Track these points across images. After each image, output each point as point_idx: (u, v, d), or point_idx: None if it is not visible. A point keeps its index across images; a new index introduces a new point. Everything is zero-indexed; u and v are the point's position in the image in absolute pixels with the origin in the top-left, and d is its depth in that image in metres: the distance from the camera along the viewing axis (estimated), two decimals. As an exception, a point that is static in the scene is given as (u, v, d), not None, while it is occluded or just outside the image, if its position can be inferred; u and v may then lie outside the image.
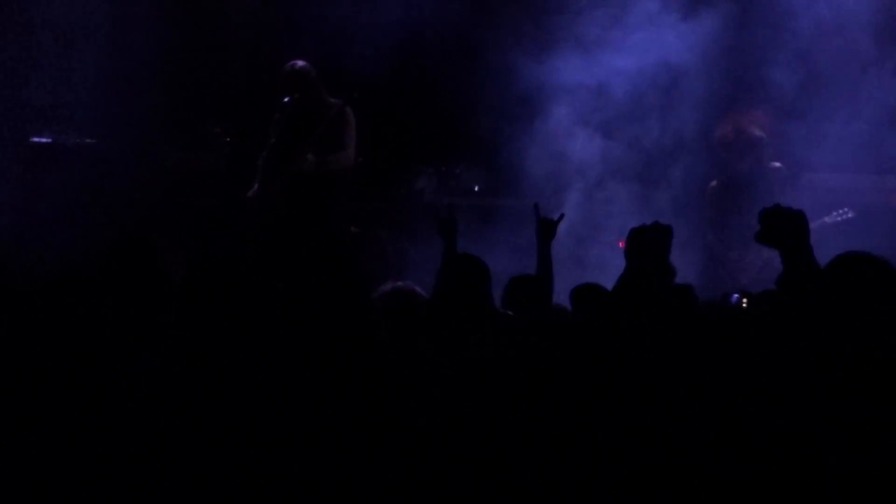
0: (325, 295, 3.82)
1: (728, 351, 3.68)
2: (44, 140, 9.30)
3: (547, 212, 5.70)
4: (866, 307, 3.55)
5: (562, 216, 5.59)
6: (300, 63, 7.94)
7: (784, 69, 8.69)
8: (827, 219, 8.19)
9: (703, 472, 3.40)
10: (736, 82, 9.07)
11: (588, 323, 4.11)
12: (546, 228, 5.48)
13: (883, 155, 9.00)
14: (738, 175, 8.32)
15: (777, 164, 8.40)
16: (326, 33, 9.34)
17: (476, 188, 9.99)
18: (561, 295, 5.20)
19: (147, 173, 9.57)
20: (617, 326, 3.69)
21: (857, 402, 3.37)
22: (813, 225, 3.80)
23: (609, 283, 4.06)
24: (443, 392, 3.65)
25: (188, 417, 3.42)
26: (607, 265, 5.82)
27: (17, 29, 9.34)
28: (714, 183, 8.53)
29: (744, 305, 4.16)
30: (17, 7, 9.35)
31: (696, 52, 8.71)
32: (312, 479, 3.37)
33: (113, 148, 9.55)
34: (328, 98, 7.99)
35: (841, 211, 8.29)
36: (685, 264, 7.12)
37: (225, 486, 3.33)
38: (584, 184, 9.04)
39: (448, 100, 9.92)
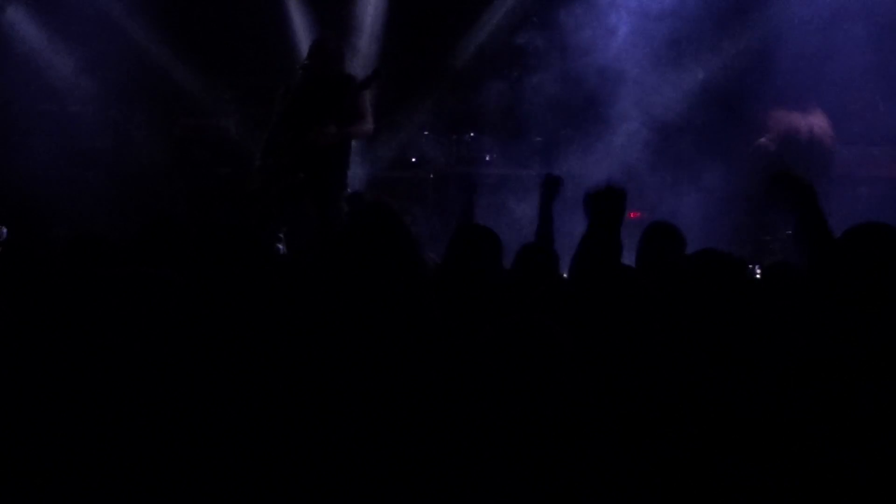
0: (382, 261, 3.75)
1: (739, 323, 3.64)
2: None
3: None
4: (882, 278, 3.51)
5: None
6: (327, 34, 7.99)
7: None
8: None
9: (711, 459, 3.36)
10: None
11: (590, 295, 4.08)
12: (550, 185, 5.38)
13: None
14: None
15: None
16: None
17: (488, 158, 9.93)
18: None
19: (157, 139, 9.58)
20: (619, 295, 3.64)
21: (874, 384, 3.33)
22: None
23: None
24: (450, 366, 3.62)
25: (223, 388, 3.37)
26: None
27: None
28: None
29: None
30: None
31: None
32: (319, 456, 3.36)
33: (121, 115, 9.56)
34: (347, 71, 8.01)
35: None
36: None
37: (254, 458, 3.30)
38: None
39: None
